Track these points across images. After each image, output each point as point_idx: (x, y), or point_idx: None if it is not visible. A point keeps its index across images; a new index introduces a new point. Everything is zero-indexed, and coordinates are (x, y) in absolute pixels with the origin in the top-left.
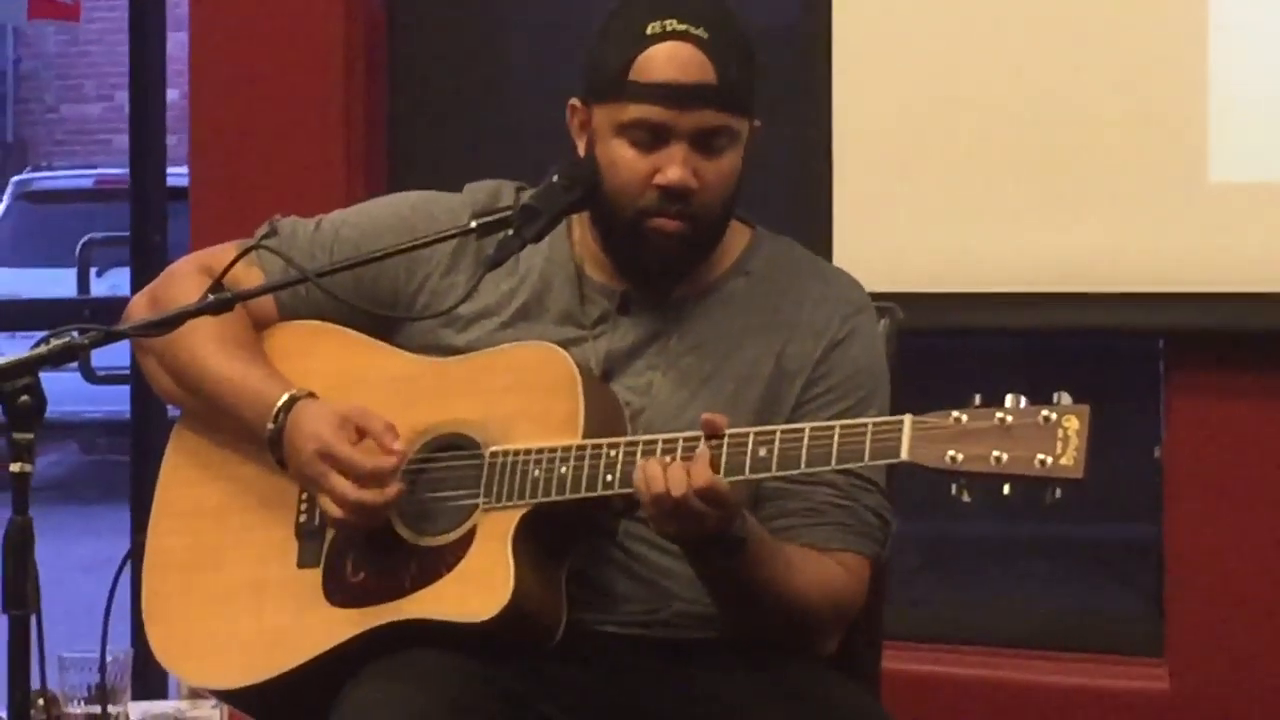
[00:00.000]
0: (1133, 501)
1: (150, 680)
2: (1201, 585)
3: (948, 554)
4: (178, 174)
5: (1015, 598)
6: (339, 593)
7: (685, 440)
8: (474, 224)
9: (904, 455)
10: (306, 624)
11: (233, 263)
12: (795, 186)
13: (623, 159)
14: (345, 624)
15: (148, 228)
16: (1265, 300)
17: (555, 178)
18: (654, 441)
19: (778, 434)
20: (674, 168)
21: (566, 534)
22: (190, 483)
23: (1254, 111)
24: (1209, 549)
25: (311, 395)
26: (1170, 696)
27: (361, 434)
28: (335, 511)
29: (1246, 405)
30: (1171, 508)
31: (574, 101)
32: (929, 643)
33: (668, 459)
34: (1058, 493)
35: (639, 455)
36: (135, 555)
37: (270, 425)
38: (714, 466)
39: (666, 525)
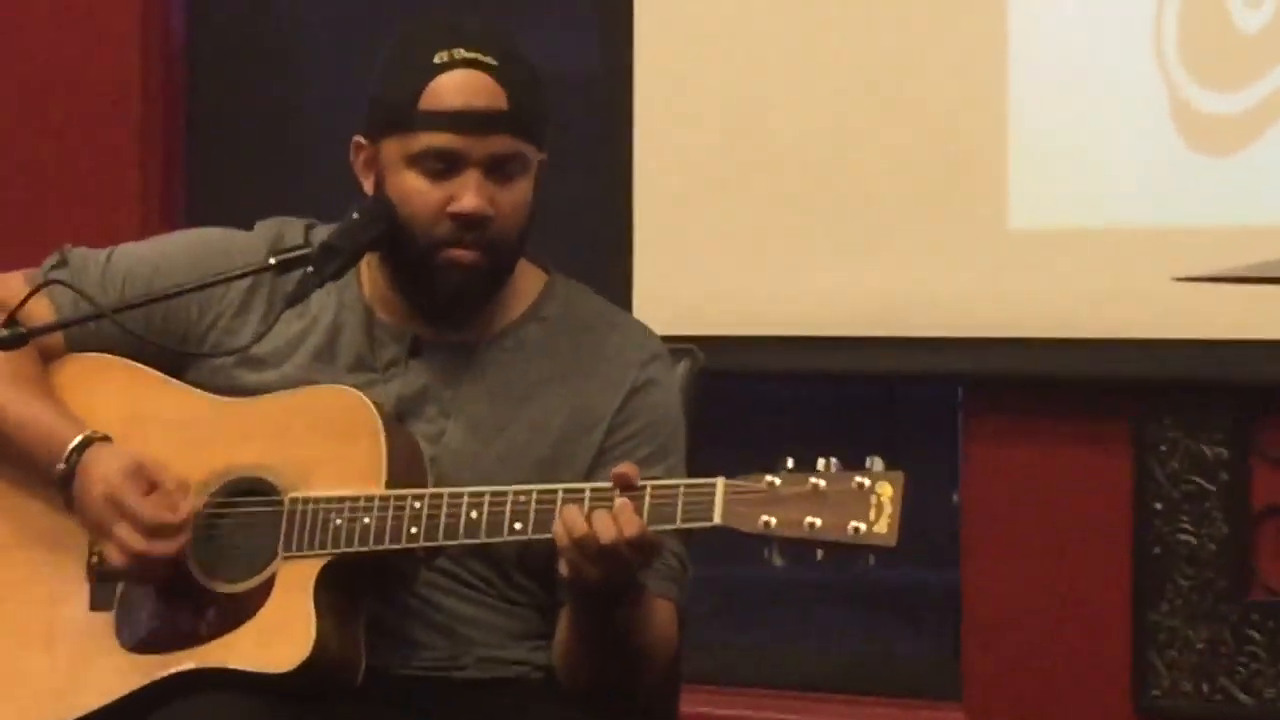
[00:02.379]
0: (930, 547)
1: None
2: (998, 629)
3: (742, 597)
4: None
5: (812, 641)
6: (133, 638)
7: (492, 495)
8: (272, 260)
9: (717, 519)
10: (98, 669)
11: (26, 298)
12: (596, 229)
13: (415, 190)
14: (139, 670)
15: None
16: (1061, 346)
17: (355, 215)
18: (460, 494)
19: (587, 491)
20: (468, 195)
21: (367, 582)
22: None
23: (1052, 160)
24: (1005, 593)
25: (106, 438)
26: None
27: (153, 485)
28: (119, 560)
29: (1042, 451)
30: (969, 552)
31: (358, 138)
32: (725, 686)
33: (584, 508)
34: (871, 560)
35: (443, 509)
36: None
37: (61, 466)
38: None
39: (589, 570)
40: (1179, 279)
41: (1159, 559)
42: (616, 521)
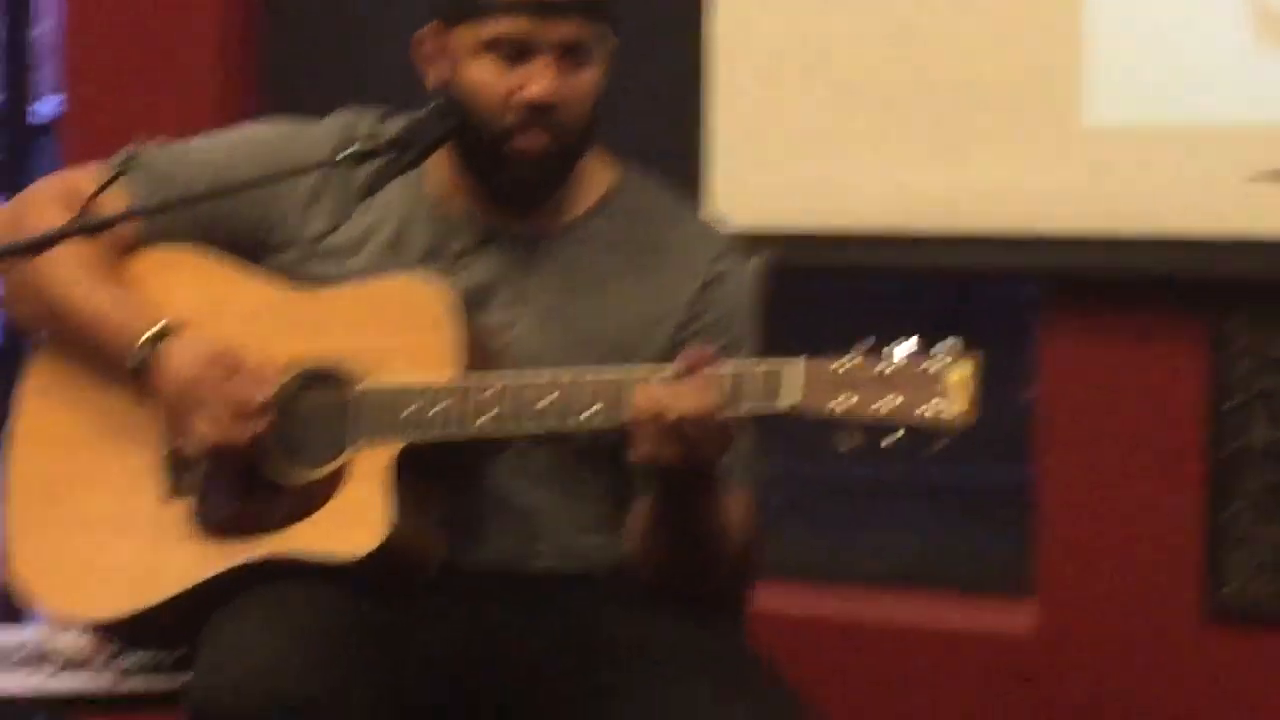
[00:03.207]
0: (1002, 443)
1: (11, 606)
2: (1070, 526)
3: (814, 494)
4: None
5: (884, 538)
6: (208, 526)
7: (565, 380)
8: (344, 153)
9: (792, 400)
10: (174, 557)
11: (101, 189)
12: (667, 121)
13: (484, 79)
14: (214, 558)
15: (14, 164)
16: (1137, 244)
17: (429, 107)
18: (532, 380)
19: (661, 374)
20: (538, 82)
21: (439, 471)
22: (52, 410)
23: (1126, 56)
24: (1078, 491)
25: (183, 326)
26: (1039, 636)
27: (234, 371)
28: (199, 445)
29: (1119, 348)
30: (1043, 449)
31: (421, 32)
32: (795, 581)
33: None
34: (944, 442)
35: (516, 395)
36: None
37: (138, 354)
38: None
39: (665, 451)
40: (1257, 176)
41: (1232, 458)
42: (688, 396)
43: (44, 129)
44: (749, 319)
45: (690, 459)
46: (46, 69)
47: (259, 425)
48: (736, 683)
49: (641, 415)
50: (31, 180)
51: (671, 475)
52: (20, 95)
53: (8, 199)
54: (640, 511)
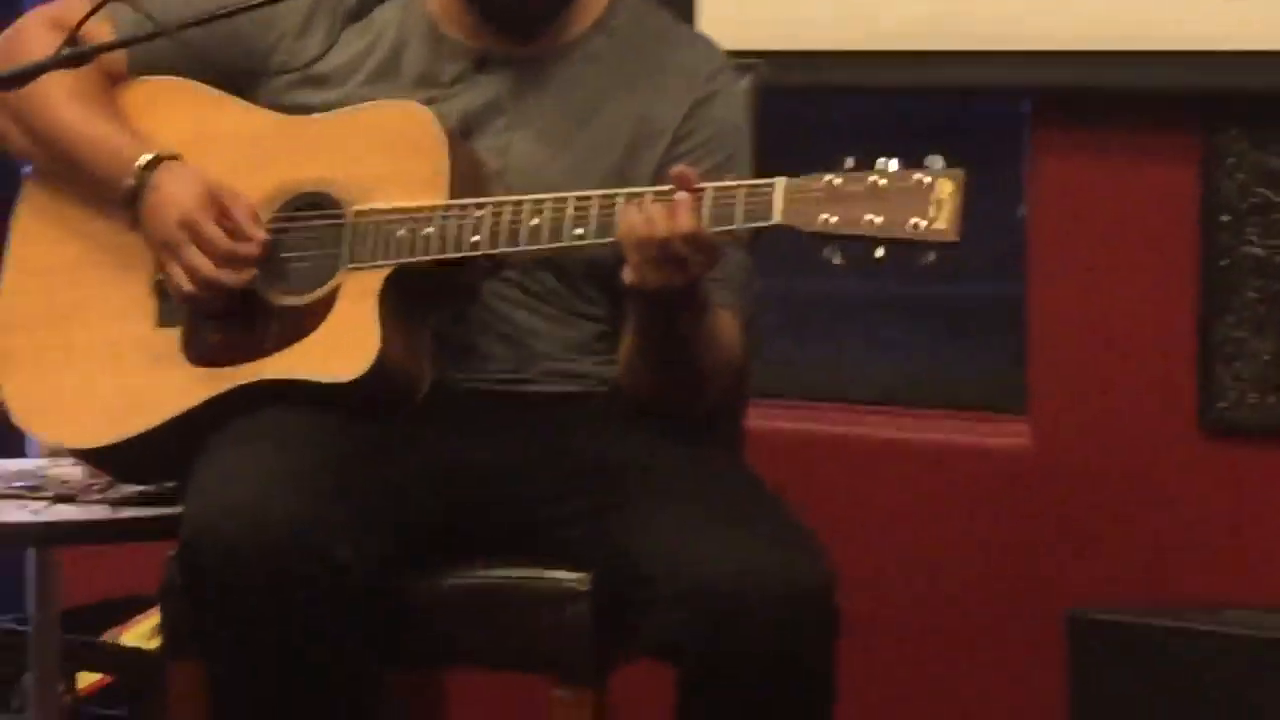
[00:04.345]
0: (995, 261)
1: (7, 439)
2: (1063, 342)
3: (806, 312)
4: None
5: (876, 355)
6: (198, 352)
7: (554, 200)
8: None
9: (776, 218)
10: (166, 383)
11: (89, 15)
12: None
13: None
14: (205, 384)
15: None
16: (1128, 58)
17: None
18: (521, 202)
19: (648, 195)
20: None
21: (431, 294)
22: (42, 240)
23: None
24: (1071, 307)
25: (174, 157)
26: (1033, 451)
27: (224, 212)
28: (185, 285)
29: (1110, 164)
30: (1034, 266)
31: None
32: (788, 400)
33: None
34: (932, 256)
35: (505, 216)
36: None
37: (130, 181)
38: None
39: (650, 274)
40: None
41: (1225, 271)
42: (674, 215)
43: None
44: (741, 137)
45: (672, 281)
46: None
47: (245, 275)
48: (731, 506)
49: (628, 235)
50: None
51: (651, 298)
52: None
53: None
54: (627, 333)
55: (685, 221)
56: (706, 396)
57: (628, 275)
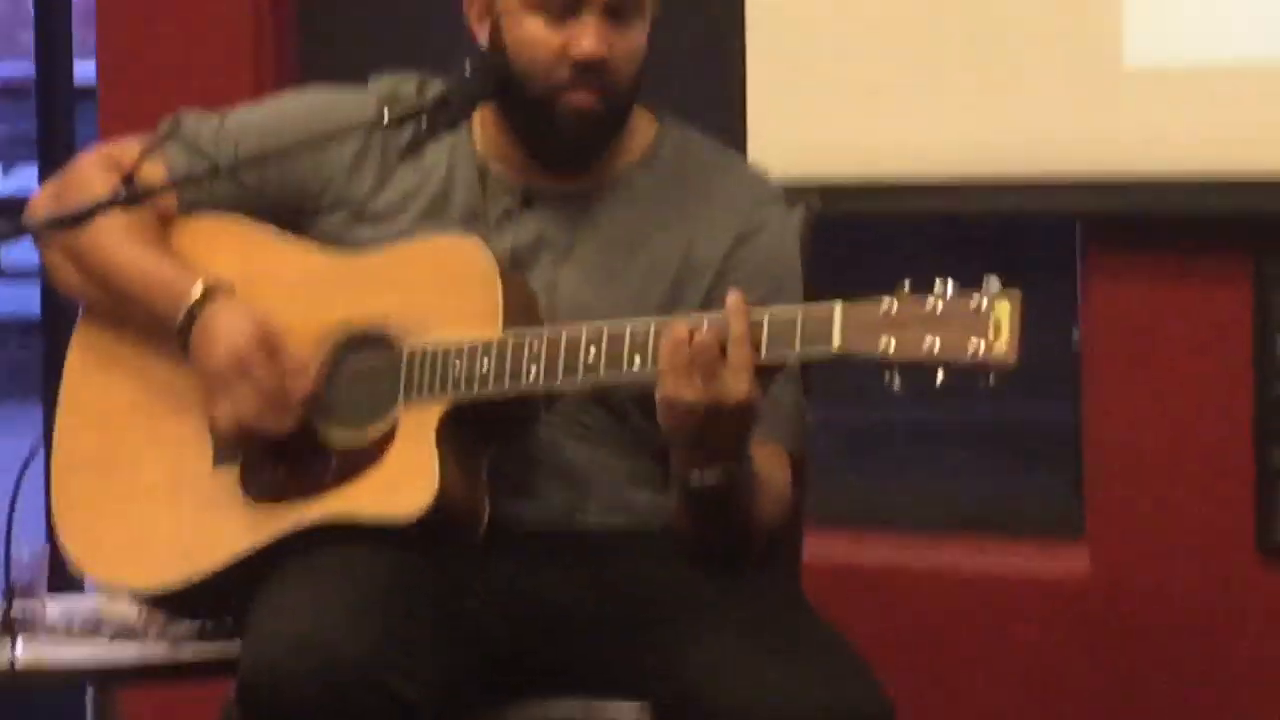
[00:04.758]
0: (1049, 385)
1: (66, 576)
2: (1120, 467)
3: (862, 439)
4: (84, 70)
5: (932, 482)
6: (257, 491)
7: (610, 331)
8: (384, 115)
9: (836, 344)
10: (225, 523)
11: (143, 156)
12: (708, 71)
13: (534, 35)
14: (265, 523)
15: (54, 125)
16: (1179, 184)
17: (467, 68)
18: (577, 333)
19: (705, 322)
20: (587, 38)
21: (487, 428)
22: (97, 380)
23: None
24: (1127, 430)
25: (229, 289)
26: (1091, 578)
27: (275, 352)
28: (231, 428)
29: (1162, 288)
30: (1089, 390)
31: None
32: (846, 529)
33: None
34: (991, 379)
35: (562, 347)
36: (45, 452)
37: (184, 314)
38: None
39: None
40: None
41: None
42: (727, 322)
43: (88, 92)
44: (792, 268)
45: (714, 404)
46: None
47: (292, 416)
48: (787, 637)
49: (669, 348)
50: (75, 145)
51: (701, 492)
52: (58, 58)
53: (48, 163)
54: (675, 504)
55: (737, 323)
56: (756, 545)
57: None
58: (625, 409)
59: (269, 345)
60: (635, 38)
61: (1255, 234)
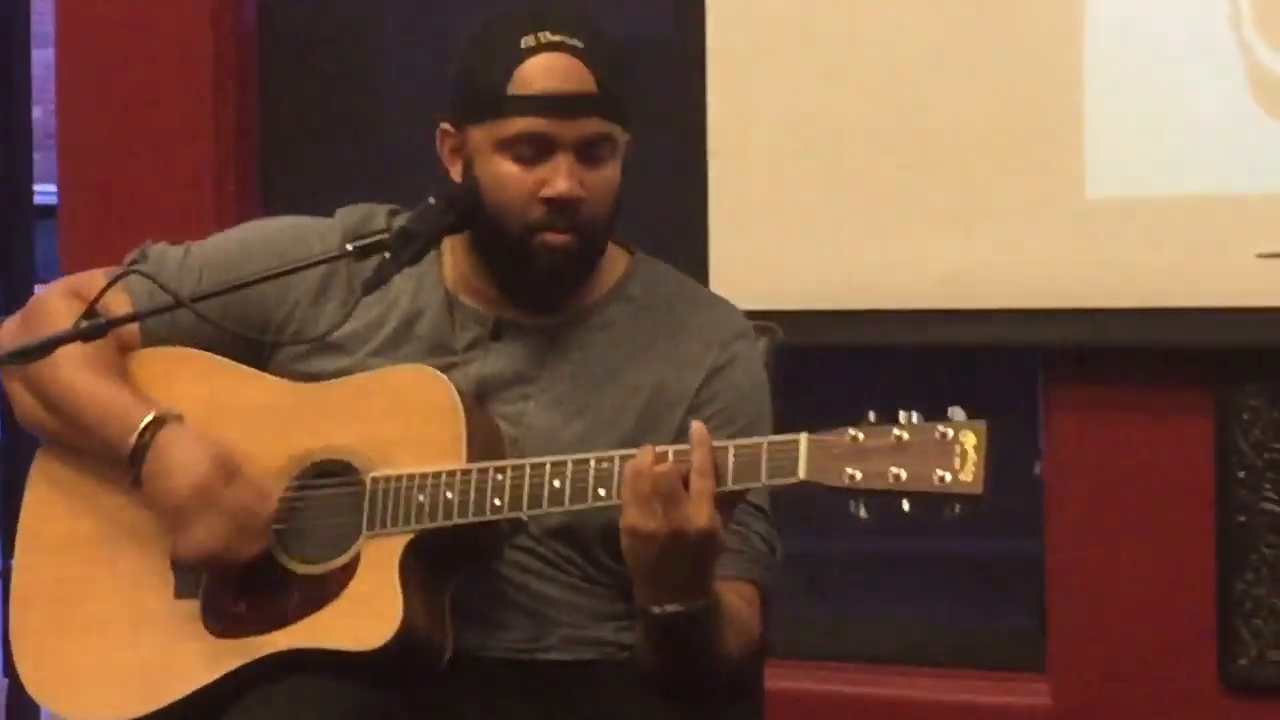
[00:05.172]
0: (1012, 518)
1: (25, 711)
2: (1083, 600)
3: (825, 570)
4: (44, 192)
5: (895, 614)
6: (219, 623)
7: (574, 462)
8: (349, 247)
9: (801, 474)
10: (186, 656)
11: (105, 289)
12: (670, 203)
13: (507, 176)
14: (227, 655)
15: (14, 247)
16: (1141, 315)
17: (432, 201)
18: (541, 464)
19: (670, 453)
20: (560, 179)
21: (451, 559)
22: (54, 513)
23: (1129, 128)
24: (1090, 564)
25: (179, 418)
26: (1053, 712)
27: (233, 476)
28: (196, 557)
29: (1124, 420)
30: (1052, 523)
31: (444, 125)
32: (810, 660)
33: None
34: (957, 509)
35: (526, 478)
36: (3, 584)
37: (133, 441)
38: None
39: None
40: (1264, 254)
41: (1243, 527)
42: (690, 452)
43: (49, 210)
44: (761, 401)
45: (675, 533)
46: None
47: (261, 541)
48: None
49: (631, 477)
50: (34, 262)
51: (663, 621)
52: (18, 177)
53: (5, 286)
54: (638, 639)
55: (699, 450)
56: (721, 679)
57: (624, 519)
58: (589, 542)
59: (228, 470)
60: (608, 174)
61: (1217, 365)
